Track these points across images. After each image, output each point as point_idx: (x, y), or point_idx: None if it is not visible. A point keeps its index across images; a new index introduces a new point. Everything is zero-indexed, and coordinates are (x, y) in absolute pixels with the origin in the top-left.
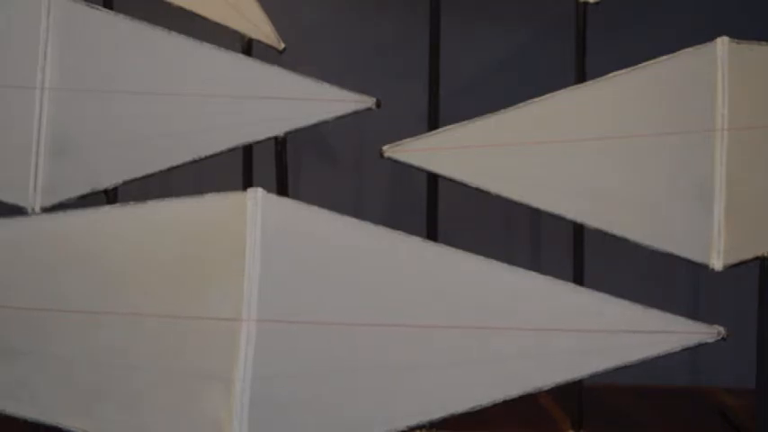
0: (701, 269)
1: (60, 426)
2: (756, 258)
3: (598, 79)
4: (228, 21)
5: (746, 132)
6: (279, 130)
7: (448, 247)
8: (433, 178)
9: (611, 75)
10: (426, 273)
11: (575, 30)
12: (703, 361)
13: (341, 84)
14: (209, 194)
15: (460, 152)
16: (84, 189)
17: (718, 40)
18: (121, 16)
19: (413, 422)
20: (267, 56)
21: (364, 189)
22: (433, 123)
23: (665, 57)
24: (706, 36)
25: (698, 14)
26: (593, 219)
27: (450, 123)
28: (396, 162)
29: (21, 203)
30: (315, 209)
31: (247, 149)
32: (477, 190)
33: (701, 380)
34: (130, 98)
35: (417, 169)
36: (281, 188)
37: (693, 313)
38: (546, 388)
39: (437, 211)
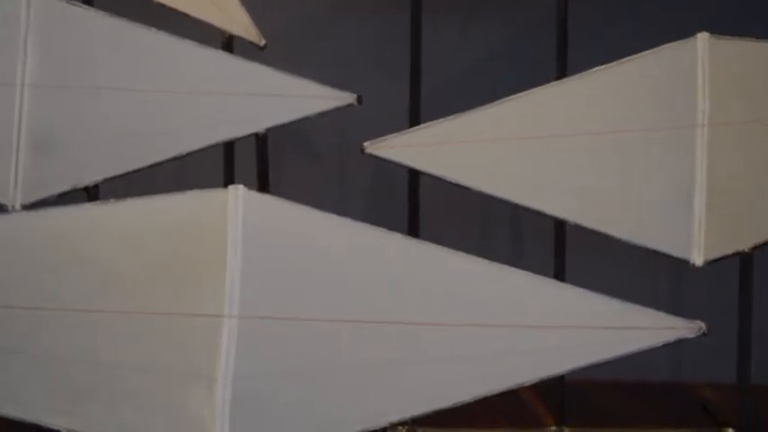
0: (683, 265)
1: (44, 425)
2: (737, 254)
3: (579, 75)
4: (209, 17)
5: (727, 128)
6: (260, 126)
7: (430, 244)
8: (414, 174)
9: (592, 70)
10: (408, 270)
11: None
12: (685, 356)
13: (323, 81)
14: (191, 191)
15: (441, 148)
16: (64, 186)
17: (699, 35)
18: (101, 13)
19: (395, 418)
20: (248, 52)
21: (346, 185)
22: (415, 120)
23: (646, 52)
24: (688, 32)
25: (680, 10)
26: (574, 215)
27: (431, 120)
28: (377, 158)
29: (0, 201)
30: (296, 205)
31: (228, 146)
32: (458, 186)
33: (683, 374)
34: (111, 95)
35: (398, 165)
36: (263, 185)
37: (675, 309)
38: (528, 383)
39: (418, 207)
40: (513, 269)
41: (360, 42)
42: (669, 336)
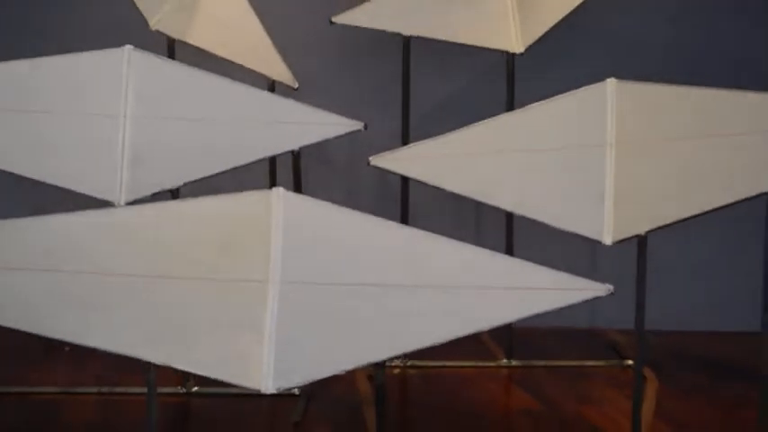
0: (597, 243)
1: (140, 357)
2: (635, 236)
3: (523, 108)
4: (258, 67)
5: (629, 146)
6: (294, 145)
7: (416, 229)
8: (405, 180)
9: (532, 104)
10: (400, 248)
11: (506, 72)
12: (599, 309)
13: (339, 112)
14: (245, 192)
15: (425, 161)
16: (155, 189)
17: (608, 80)
18: (180, 64)
19: (393, 353)
20: (286, 92)
21: (356, 187)
22: (405, 140)
23: (570, 92)
24: (604, 76)
25: (600, 60)
26: (520, 209)
27: (417, 140)
28: (378, 168)
29: (110, 199)
30: (321, 201)
31: (272, 159)
32: (437, 188)
33: (597, 322)
34: (188, 122)
35: (393, 173)
36: (297, 187)
37: (591, 275)
38: (486, 329)
39: (408, 202)
40: (477, 247)
41: (365, 84)
42: (587, 294)
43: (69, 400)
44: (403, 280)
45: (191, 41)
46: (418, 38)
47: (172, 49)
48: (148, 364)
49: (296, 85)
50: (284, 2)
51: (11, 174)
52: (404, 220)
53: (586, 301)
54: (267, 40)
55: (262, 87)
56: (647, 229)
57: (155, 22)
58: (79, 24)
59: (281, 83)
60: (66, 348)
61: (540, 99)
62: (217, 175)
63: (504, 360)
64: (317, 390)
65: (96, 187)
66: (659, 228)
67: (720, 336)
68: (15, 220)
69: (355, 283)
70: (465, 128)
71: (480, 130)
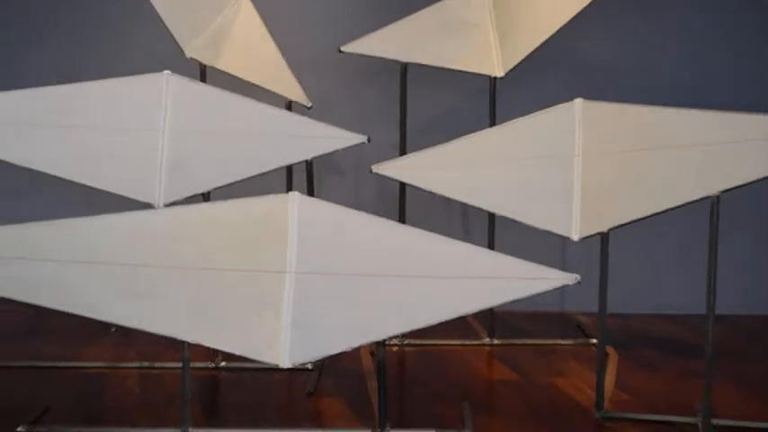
0: (566, 239)
1: (177, 337)
2: (598, 233)
3: (504, 123)
4: (277, 89)
5: (593, 156)
6: (308, 155)
7: (412, 227)
8: (402, 185)
9: (510, 121)
10: (398, 243)
11: (489, 93)
12: (567, 294)
13: (346, 127)
14: (266, 195)
15: (419, 169)
16: (188, 193)
17: (576, 100)
18: (210, 86)
19: (393, 333)
20: (301, 110)
21: (360, 191)
22: (403, 151)
23: (543, 110)
24: (574, 96)
25: (571, 83)
26: (501, 210)
27: (413, 151)
28: (380, 175)
29: (150, 202)
30: (330, 203)
31: (289, 168)
32: (430, 192)
33: (566, 306)
34: (218, 136)
35: (393, 180)
36: (310, 191)
37: (561, 266)
38: (471, 312)
39: (405, 204)
40: (464, 243)
41: (368, 103)
42: (557, 283)
43: (115, 374)
44: (400, 270)
45: (220, 67)
46: (414, 64)
47: (204, 73)
48: (183, 342)
49: (309, 105)
50: (300, 34)
51: (65, 180)
52: (401, 219)
53: (557, 289)
54: (285, 66)
55: (280, 106)
56: (609, 227)
57: (189, 51)
58: (128, 53)
59: (296, 102)
60: (113, 329)
61: (518, 116)
62: (242, 181)
63: (487, 339)
64: (328, 364)
65: (138, 192)
66: (619, 226)
67: (670, 318)
68: (69, 220)
69: (360, 273)
70: (454, 140)
71: (467, 143)
